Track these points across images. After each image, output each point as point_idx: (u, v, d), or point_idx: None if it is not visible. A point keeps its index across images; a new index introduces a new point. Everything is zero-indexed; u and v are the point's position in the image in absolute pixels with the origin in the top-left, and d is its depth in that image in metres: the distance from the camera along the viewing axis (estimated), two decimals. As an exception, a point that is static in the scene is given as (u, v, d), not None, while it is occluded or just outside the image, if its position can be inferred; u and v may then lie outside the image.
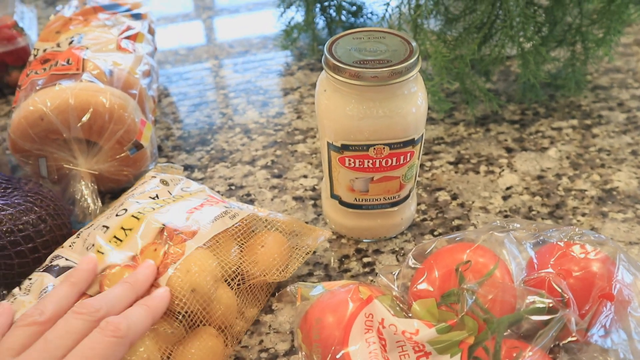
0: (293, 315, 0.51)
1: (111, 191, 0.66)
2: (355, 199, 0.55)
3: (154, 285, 0.45)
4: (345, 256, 0.58)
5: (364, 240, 0.59)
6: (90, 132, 0.61)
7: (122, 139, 0.62)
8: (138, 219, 0.49)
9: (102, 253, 0.48)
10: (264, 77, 0.88)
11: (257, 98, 0.82)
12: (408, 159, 0.52)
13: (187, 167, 0.70)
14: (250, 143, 0.73)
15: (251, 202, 0.64)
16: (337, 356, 0.40)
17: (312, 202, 0.64)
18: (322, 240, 0.56)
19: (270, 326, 0.51)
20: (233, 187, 0.67)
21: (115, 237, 0.49)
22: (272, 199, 0.65)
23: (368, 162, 0.51)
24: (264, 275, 0.50)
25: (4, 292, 0.53)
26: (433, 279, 0.46)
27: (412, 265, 0.48)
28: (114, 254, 0.47)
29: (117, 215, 0.51)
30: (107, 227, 0.50)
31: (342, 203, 0.56)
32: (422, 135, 0.52)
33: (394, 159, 0.51)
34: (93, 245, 0.49)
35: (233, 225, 0.51)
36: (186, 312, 0.44)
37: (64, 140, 0.61)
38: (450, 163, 0.69)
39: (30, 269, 0.54)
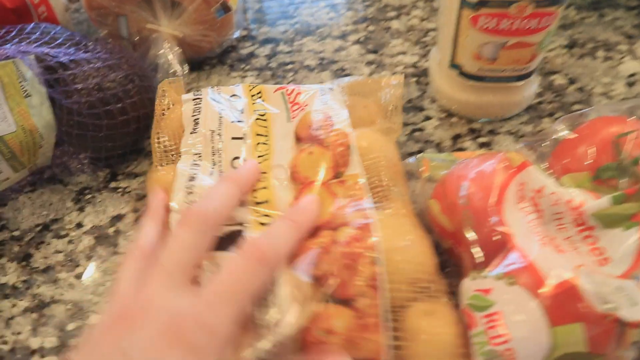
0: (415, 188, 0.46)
1: (190, 60, 0.60)
2: (480, 68, 0.49)
3: (341, 156, 0.38)
4: (457, 135, 0.52)
5: (479, 120, 0.53)
6: (175, -11, 0.55)
7: (210, -2, 0.55)
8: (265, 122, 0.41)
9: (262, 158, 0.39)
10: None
11: (339, -27, 0.75)
12: (549, 23, 0.45)
13: (272, 40, 0.64)
14: (337, 18, 0.67)
15: (347, 76, 0.58)
16: (494, 223, 0.35)
17: (414, 79, 0.58)
18: (395, 84, 0.48)
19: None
20: (324, 62, 0.61)
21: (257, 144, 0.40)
22: (370, 75, 0.59)
23: (506, 22, 0.45)
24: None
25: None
26: (585, 151, 0.40)
27: (559, 137, 0.42)
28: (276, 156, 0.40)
29: (233, 138, 0.41)
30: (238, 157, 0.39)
31: (462, 74, 0.50)
32: (568, -6, 0.45)
33: (536, 21, 0.45)
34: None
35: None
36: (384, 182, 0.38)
37: (145, -2, 0.55)
38: (564, 47, 0.62)
39: (119, 132, 0.49)
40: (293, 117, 0.42)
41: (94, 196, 0.51)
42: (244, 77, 0.60)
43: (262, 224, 0.35)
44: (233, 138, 0.41)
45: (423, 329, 0.30)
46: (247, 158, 0.39)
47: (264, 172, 0.38)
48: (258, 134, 0.41)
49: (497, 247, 0.35)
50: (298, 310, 0.29)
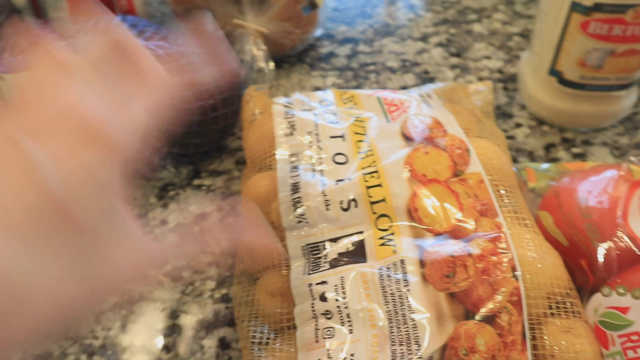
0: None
1: (271, 58, 0.59)
2: (582, 76, 0.47)
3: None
4: (550, 144, 0.51)
5: (577, 130, 0.52)
6: (263, -15, 0.54)
7: (299, -5, 0.54)
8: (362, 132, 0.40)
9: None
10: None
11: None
12: (663, 30, 0.44)
13: (350, 40, 0.63)
14: (417, 19, 0.65)
15: (431, 80, 0.57)
16: (623, 237, 0.34)
17: (501, 84, 0.57)
18: (484, 90, 0.47)
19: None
20: (407, 64, 0.59)
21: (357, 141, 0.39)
22: (454, 79, 0.57)
23: (619, 28, 0.43)
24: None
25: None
26: None
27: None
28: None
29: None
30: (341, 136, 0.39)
31: (562, 81, 0.49)
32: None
33: (650, 28, 0.43)
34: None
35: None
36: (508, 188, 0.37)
37: (232, -7, 0.55)
38: (655, 55, 0.60)
39: (208, 129, 0.49)
40: (393, 119, 0.41)
41: (178, 193, 0.51)
42: (325, 76, 0.59)
43: (380, 229, 0.34)
44: (332, 137, 0.40)
45: (564, 346, 0.29)
46: (347, 154, 0.38)
47: (375, 171, 0.36)
48: (356, 133, 0.40)
49: (626, 262, 0.33)
50: (437, 329, 0.28)
